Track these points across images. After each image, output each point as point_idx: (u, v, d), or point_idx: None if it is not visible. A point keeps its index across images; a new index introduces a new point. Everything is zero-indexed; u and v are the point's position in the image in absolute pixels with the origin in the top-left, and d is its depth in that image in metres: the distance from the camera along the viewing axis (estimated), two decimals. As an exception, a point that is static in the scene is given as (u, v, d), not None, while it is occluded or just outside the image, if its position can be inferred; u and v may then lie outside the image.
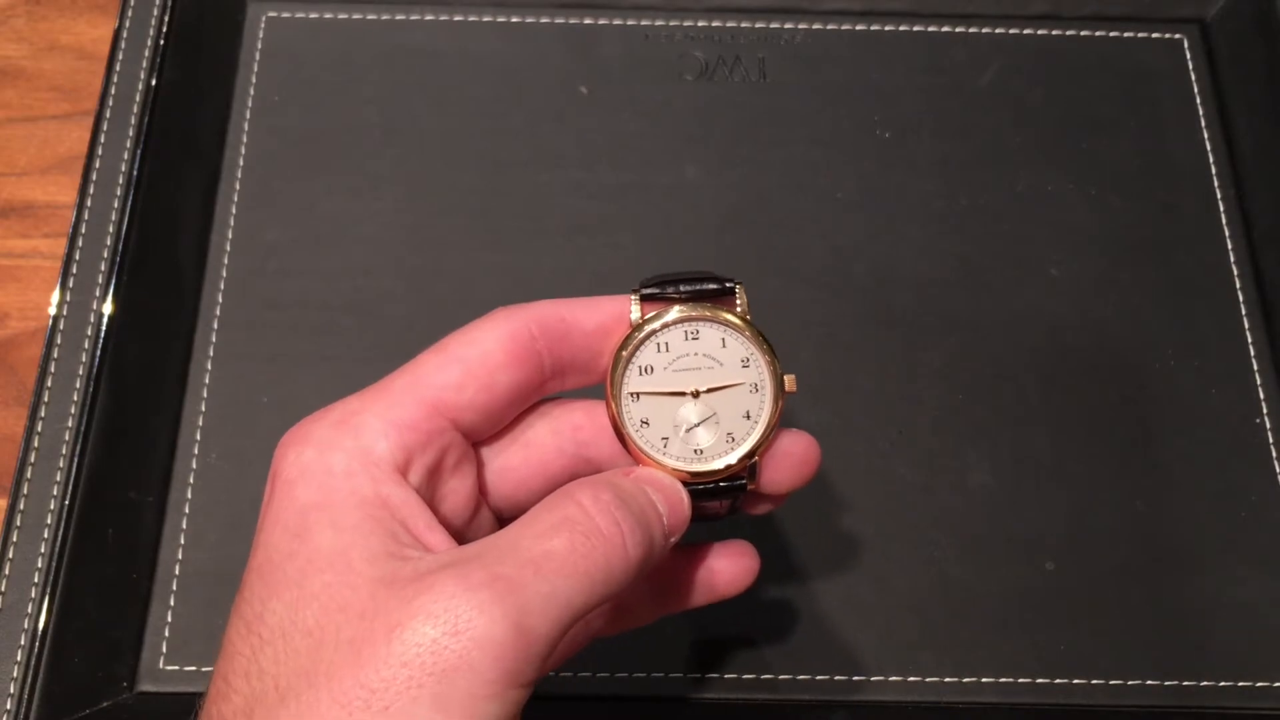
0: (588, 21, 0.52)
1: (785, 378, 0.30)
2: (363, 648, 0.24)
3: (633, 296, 0.30)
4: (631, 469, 0.29)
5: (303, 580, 0.25)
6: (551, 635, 0.24)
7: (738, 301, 0.30)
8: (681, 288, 0.30)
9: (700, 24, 0.53)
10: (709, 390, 0.30)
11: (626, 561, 0.26)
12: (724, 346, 0.30)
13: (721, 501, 0.30)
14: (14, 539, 0.40)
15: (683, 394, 0.30)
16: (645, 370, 0.29)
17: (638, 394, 0.29)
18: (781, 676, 0.41)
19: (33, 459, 0.41)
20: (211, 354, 0.46)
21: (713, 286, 0.30)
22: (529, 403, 0.30)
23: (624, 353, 0.29)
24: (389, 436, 0.27)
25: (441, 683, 0.23)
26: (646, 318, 0.29)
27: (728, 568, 0.32)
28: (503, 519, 0.31)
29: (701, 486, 0.30)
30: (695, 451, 0.30)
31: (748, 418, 0.30)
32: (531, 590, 0.24)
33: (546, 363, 0.29)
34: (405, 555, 0.25)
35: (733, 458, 0.30)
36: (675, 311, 0.29)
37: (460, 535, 0.29)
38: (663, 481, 0.29)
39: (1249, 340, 0.47)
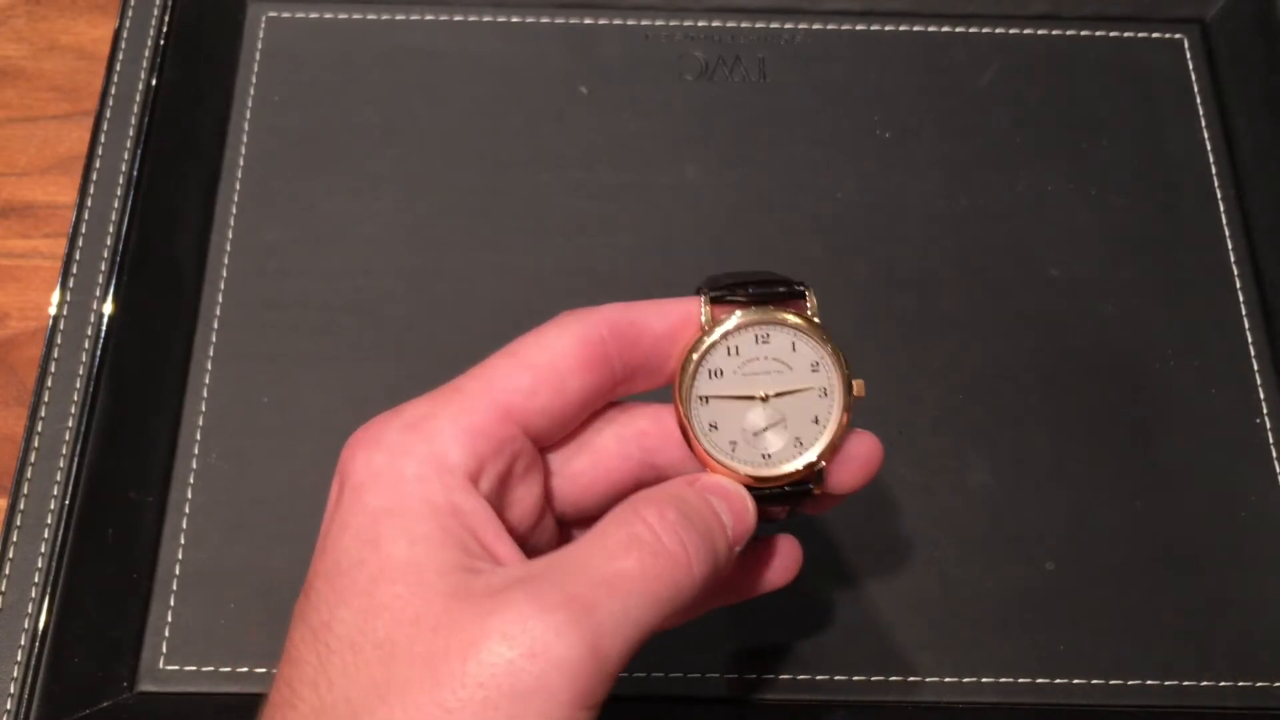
0: (588, 21, 0.52)
1: (854, 383, 0.30)
2: (438, 665, 0.23)
3: (702, 299, 0.29)
4: (697, 476, 0.29)
5: (373, 589, 0.25)
6: (623, 656, 0.24)
7: (808, 304, 0.30)
8: (751, 290, 0.29)
9: (700, 24, 0.53)
10: (778, 394, 0.29)
11: (692, 579, 0.26)
12: (794, 350, 0.29)
13: (784, 505, 0.30)
14: (14, 539, 0.40)
15: (752, 398, 0.29)
16: (715, 374, 0.29)
17: (707, 398, 0.29)
18: (781, 676, 0.41)
19: (33, 459, 0.41)
20: (211, 354, 0.46)
21: (782, 289, 0.29)
22: (597, 407, 0.30)
23: (694, 355, 0.29)
24: (461, 443, 0.27)
25: (517, 704, 0.23)
26: (717, 320, 0.29)
27: (776, 559, 0.32)
28: (565, 524, 0.31)
29: (768, 491, 0.29)
30: (763, 456, 0.29)
31: (816, 422, 0.30)
32: (605, 611, 0.24)
33: (617, 367, 0.29)
34: (477, 568, 0.25)
35: (800, 463, 0.29)
36: (747, 314, 0.29)
37: (525, 541, 0.29)
38: (729, 490, 0.29)
39: (1249, 340, 0.47)
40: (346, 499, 0.26)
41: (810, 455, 0.29)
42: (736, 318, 0.29)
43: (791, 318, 0.29)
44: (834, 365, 0.30)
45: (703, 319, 0.29)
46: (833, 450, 0.30)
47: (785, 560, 0.33)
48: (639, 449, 0.30)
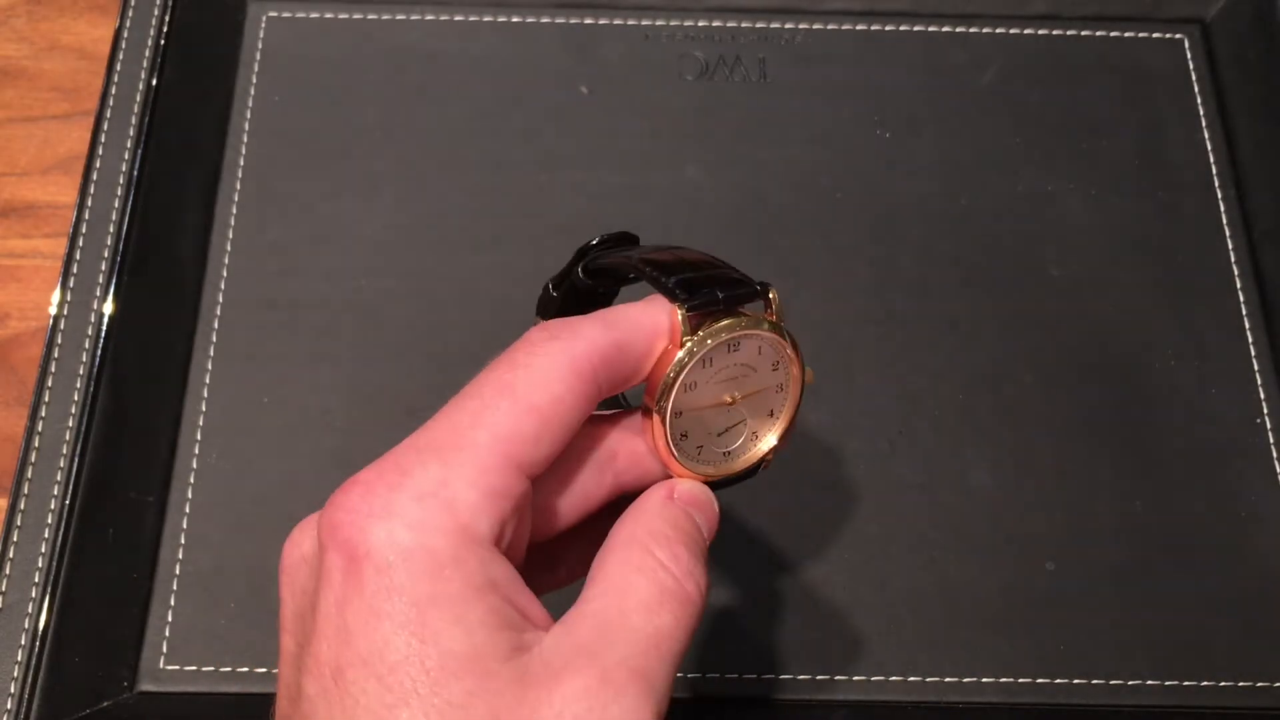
0: (588, 21, 0.52)
1: (806, 371, 0.31)
2: None
3: (678, 311, 0.28)
4: (672, 488, 0.29)
5: (438, 689, 0.23)
6: (665, 700, 0.25)
7: (772, 305, 0.30)
8: (720, 294, 0.29)
9: (700, 24, 0.53)
10: (744, 396, 0.30)
11: (699, 610, 0.27)
12: (760, 353, 0.30)
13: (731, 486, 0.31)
14: (14, 539, 0.40)
15: (721, 404, 0.30)
16: (690, 387, 0.29)
17: (681, 411, 0.29)
18: (781, 676, 0.41)
19: (33, 459, 0.41)
20: (212, 354, 0.46)
21: (744, 291, 0.29)
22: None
23: (673, 375, 0.28)
24: (486, 511, 0.25)
25: None
26: (694, 337, 0.28)
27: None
28: (532, 546, 0.31)
29: (722, 481, 0.30)
30: (724, 454, 0.30)
31: (771, 415, 0.30)
32: (659, 675, 0.25)
33: (604, 391, 0.28)
34: (527, 644, 0.25)
35: (756, 454, 0.31)
36: (723, 328, 0.29)
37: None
38: (703, 500, 0.30)
39: (1249, 340, 0.47)
40: (369, 580, 0.24)
41: (764, 446, 0.30)
42: (714, 334, 0.29)
43: (762, 327, 0.29)
44: (792, 361, 0.30)
45: (682, 334, 0.28)
46: (785, 437, 0.31)
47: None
48: (612, 473, 0.30)
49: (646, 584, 0.27)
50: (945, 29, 0.53)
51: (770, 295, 0.30)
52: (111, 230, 0.45)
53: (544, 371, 0.27)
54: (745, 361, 0.29)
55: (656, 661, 0.25)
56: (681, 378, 0.28)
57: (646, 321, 0.28)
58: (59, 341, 0.43)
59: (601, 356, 0.27)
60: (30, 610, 0.39)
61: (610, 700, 0.24)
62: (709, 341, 0.28)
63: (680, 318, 0.28)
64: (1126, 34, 0.53)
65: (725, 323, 0.29)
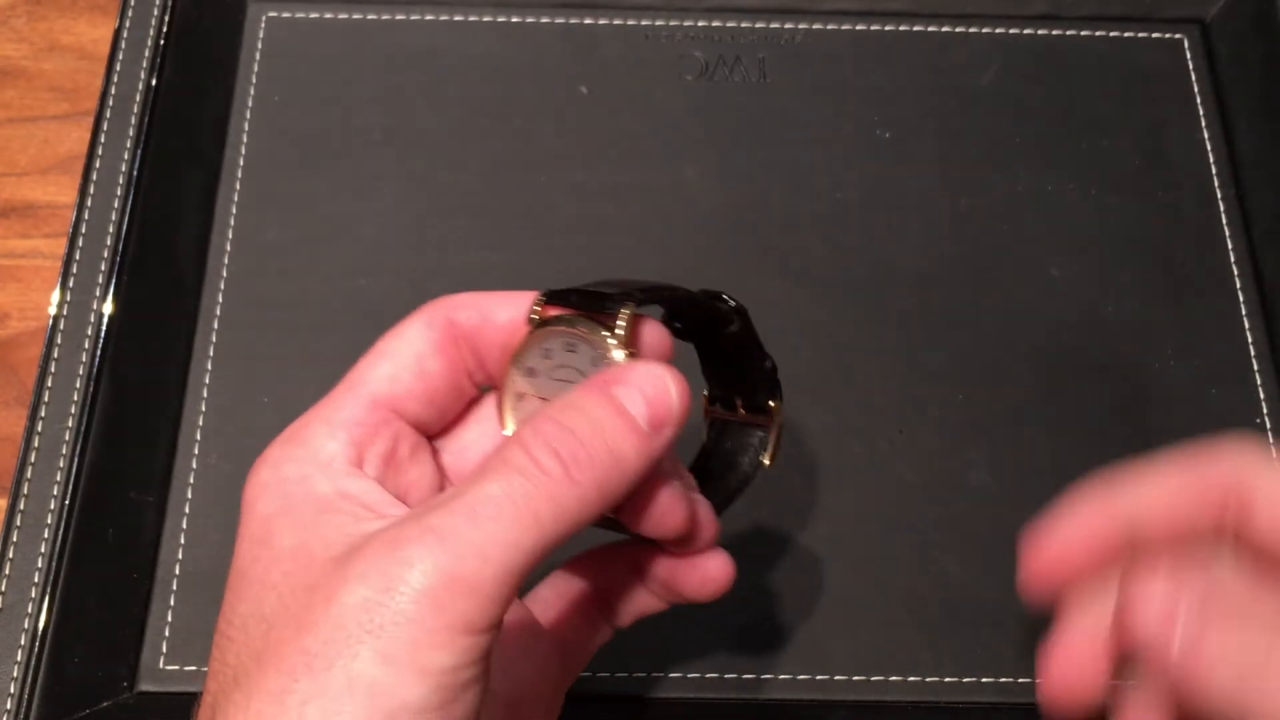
0: (588, 21, 0.52)
1: None
2: (304, 618, 0.24)
3: (537, 296, 0.30)
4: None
5: (265, 577, 0.26)
6: (499, 579, 0.24)
7: (620, 324, 0.29)
8: (574, 298, 0.29)
9: (700, 24, 0.53)
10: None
11: (577, 488, 0.25)
12: (593, 364, 0.29)
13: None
14: (14, 539, 0.40)
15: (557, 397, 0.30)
16: (530, 373, 0.29)
17: (522, 394, 0.30)
18: (781, 676, 0.41)
19: (33, 459, 0.41)
20: (212, 354, 0.46)
21: (607, 303, 0.29)
22: (466, 394, 0.31)
23: (514, 352, 0.30)
24: (335, 436, 0.28)
25: (380, 636, 0.23)
26: (541, 322, 0.29)
27: (700, 569, 0.32)
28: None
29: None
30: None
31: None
32: (464, 539, 0.24)
33: (466, 351, 0.30)
34: (366, 531, 0.26)
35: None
36: (560, 321, 0.29)
37: None
38: (640, 373, 0.27)
39: (1249, 340, 0.47)
40: (243, 515, 0.28)
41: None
42: (553, 324, 0.29)
43: (597, 334, 0.29)
44: None
45: (533, 318, 0.29)
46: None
47: (712, 572, 0.32)
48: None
49: (492, 460, 0.26)
50: (945, 29, 0.53)
51: (621, 317, 0.29)
52: (111, 230, 0.45)
53: (404, 326, 0.30)
54: (579, 366, 0.29)
55: (465, 524, 0.24)
56: (519, 357, 0.29)
57: (514, 300, 0.30)
58: (59, 341, 0.43)
59: (458, 311, 0.30)
60: (30, 610, 0.39)
61: (387, 555, 0.24)
62: (548, 329, 0.29)
63: (536, 304, 0.29)
64: (1126, 34, 0.53)
65: (567, 320, 0.29)
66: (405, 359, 0.29)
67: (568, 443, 0.26)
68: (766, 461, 0.34)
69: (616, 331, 0.29)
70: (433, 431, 0.31)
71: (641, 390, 0.27)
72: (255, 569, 0.26)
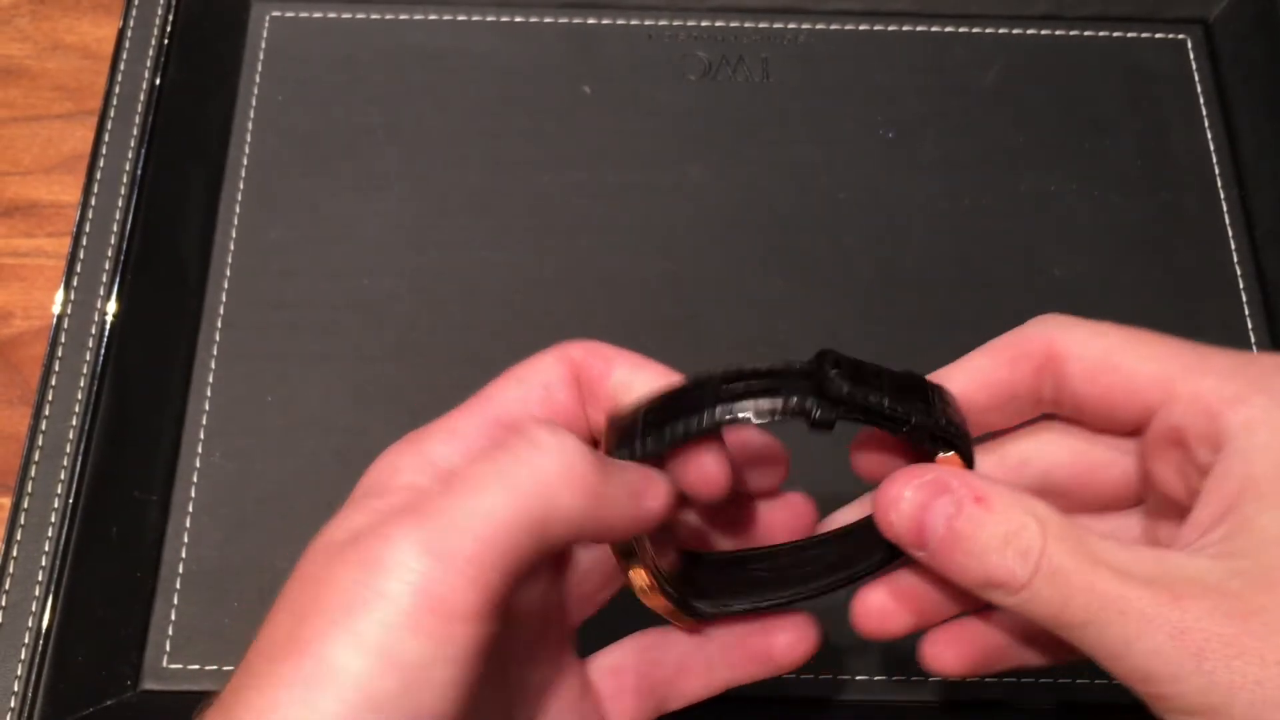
0: (591, 21, 0.52)
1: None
2: (299, 610, 0.24)
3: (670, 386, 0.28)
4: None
5: (306, 567, 0.26)
6: (481, 555, 0.23)
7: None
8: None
9: (703, 24, 0.53)
10: None
11: (562, 455, 0.25)
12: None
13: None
14: (18, 538, 0.40)
15: None
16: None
17: None
18: (783, 676, 0.41)
19: (37, 458, 0.41)
20: (215, 353, 0.46)
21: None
22: (584, 434, 0.30)
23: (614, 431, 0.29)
24: (450, 443, 0.28)
25: (353, 616, 0.23)
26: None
27: (781, 636, 0.32)
28: None
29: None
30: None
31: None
32: (444, 516, 0.23)
33: (586, 393, 0.30)
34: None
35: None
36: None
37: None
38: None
39: (1252, 340, 0.47)
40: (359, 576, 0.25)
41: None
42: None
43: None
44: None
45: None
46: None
47: (792, 638, 0.32)
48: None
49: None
50: (948, 29, 0.53)
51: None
52: (115, 229, 0.45)
53: (535, 358, 0.30)
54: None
55: (440, 500, 0.24)
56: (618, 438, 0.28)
57: (636, 368, 0.29)
58: (62, 341, 0.43)
59: (587, 363, 0.30)
60: (34, 609, 0.39)
61: (369, 538, 0.24)
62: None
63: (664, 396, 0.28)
64: (1129, 34, 0.53)
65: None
66: (534, 385, 0.29)
67: (558, 426, 0.26)
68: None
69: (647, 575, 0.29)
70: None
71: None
72: (309, 556, 0.26)
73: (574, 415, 0.29)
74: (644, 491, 0.27)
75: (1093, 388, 0.29)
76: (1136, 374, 0.28)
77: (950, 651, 0.31)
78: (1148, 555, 0.25)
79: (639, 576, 0.29)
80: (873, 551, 0.30)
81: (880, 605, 0.30)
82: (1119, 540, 0.26)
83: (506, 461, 0.25)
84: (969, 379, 0.30)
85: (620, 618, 0.32)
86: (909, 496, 0.27)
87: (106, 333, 0.43)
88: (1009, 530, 0.26)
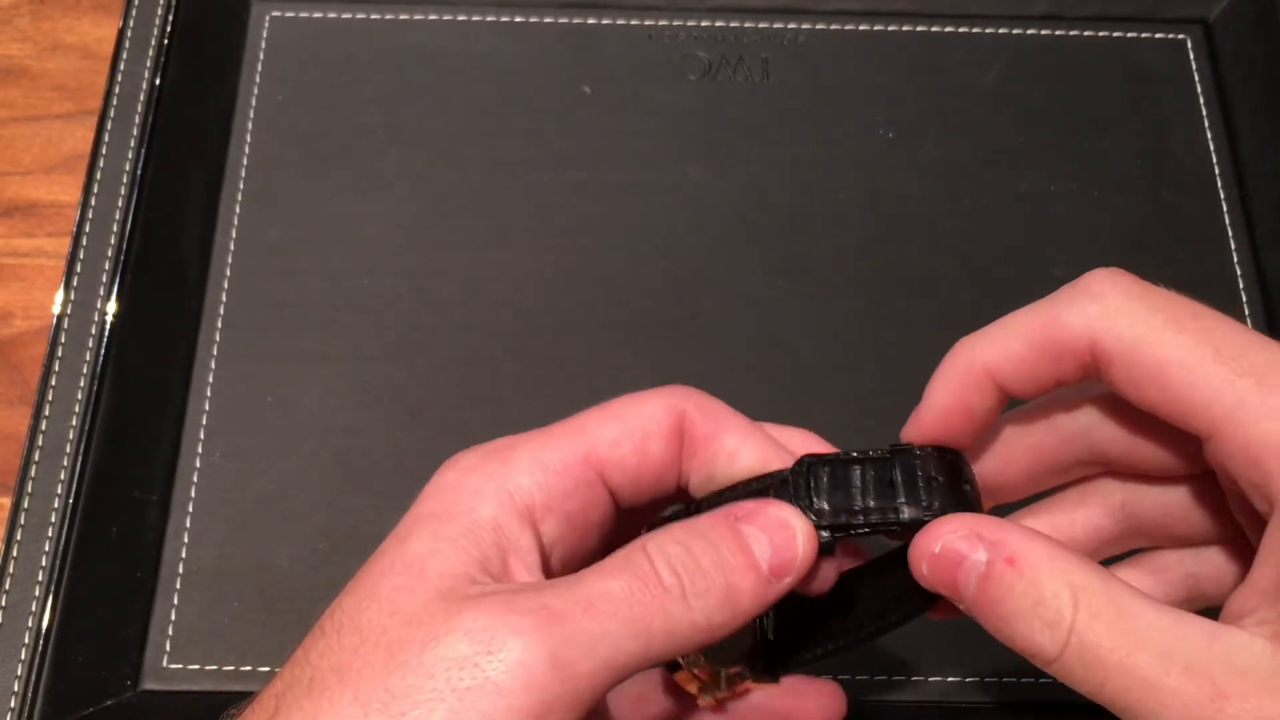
0: (591, 21, 0.52)
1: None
2: (397, 652, 0.23)
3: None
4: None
5: (378, 580, 0.25)
6: (595, 676, 0.23)
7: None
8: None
9: (703, 24, 0.53)
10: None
11: (690, 612, 0.25)
12: None
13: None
14: (18, 538, 0.40)
15: None
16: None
17: None
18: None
19: (36, 458, 0.41)
20: (215, 353, 0.46)
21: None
22: (669, 489, 0.30)
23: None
24: (533, 474, 0.27)
25: (463, 699, 0.22)
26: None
27: (809, 706, 0.31)
28: None
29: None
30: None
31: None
32: (578, 627, 0.23)
33: (685, 446, 0.29)
34: (482, 580, 0.25)
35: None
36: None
37: None
38: (771, 516, 0.27)
39: (1251, 341, 0.47)
40: (410, 509, 0.27)
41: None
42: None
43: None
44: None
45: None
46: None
47: (819, 706, 0.31)
48: None
49: (616, 557, 0.26)
50: (948, 29, 0.53)
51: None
52: (115, 229, 0.45)
53: (643, 397, 0.29)
54: None
55: (581, 614, 0.24)
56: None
57: (754, 445, 0.29)
58: (62, 341, 0.43)
59: (700, 409, 0.29)
60: (33, 609, 0.39)
61: (500, 619, 0.23)
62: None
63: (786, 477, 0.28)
64: (1129, 34, 0.53)
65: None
66: (633, 429, 0.28)
67: (689, 567, 0.26)
68: None
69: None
70: (623, 505, 0.30)
71: (769, 534, 0.27)
72: (376, 566, 0.26)
73: (666, 470, 0.29)
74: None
75: (1140, 397, 0.27)
76: (1184, 398, 0.26)
77: None
78: (1198, 632, 0.24)
79: (688, 682, 0.30)
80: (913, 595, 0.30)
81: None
82: (1172, 605, 0.24)
83: (643, 601, 0.25)
84: (1011, 363, 0.30)
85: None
86: (938, 553, 0.26)
87: (106, 333, 0.43)
88: (1037, 599, 0.25)
